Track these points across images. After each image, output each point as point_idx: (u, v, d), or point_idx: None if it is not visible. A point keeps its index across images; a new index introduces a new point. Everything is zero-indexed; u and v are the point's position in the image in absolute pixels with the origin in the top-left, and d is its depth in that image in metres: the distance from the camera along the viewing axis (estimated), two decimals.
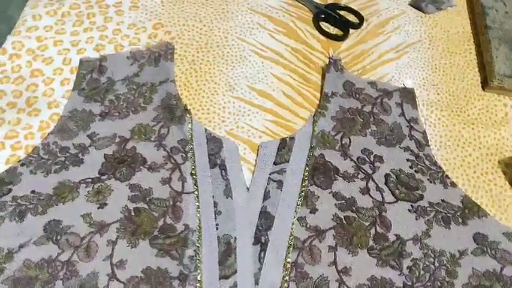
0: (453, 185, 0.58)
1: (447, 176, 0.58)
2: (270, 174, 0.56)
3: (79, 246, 0.48)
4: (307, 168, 0.56)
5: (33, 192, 0.51)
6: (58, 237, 0.49)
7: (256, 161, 0.57)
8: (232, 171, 0.55)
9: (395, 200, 0.56)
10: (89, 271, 0.47)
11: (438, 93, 0.67)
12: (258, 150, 0.58)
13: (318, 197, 0.54)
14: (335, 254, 0.51)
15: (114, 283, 0.47)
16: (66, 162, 0.54)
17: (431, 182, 0.58)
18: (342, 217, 0.53)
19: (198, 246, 0.50)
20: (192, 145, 0.57)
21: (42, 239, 0.48)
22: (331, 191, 0.55)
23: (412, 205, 0.55)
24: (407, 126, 0.62)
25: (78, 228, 0.49)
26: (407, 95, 0.65)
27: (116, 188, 0.53)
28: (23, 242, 0.48)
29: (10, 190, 0.51)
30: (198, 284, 0.47)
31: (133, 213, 0.51)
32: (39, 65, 0.61)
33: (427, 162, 0.59)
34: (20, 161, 0.53)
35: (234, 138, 0.59)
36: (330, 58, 0.66)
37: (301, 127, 0.61)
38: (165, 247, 0.49)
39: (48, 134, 0.56)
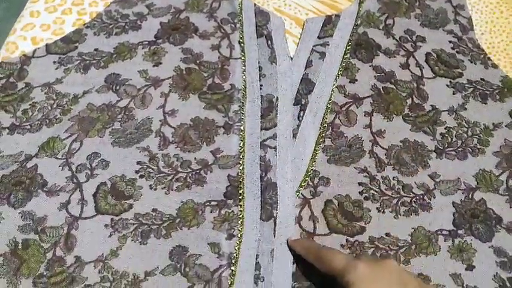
0: (494, 66, 0.59)
1: (489, 58, 0.59)
2: (313, 46, 0.58)
3: (136, 96, 0.53)
4: (350, 43, 0.59)
5: (96, 50, 0.57)
6: (117, 88, 0.54)
7: (301, 34, 0.60)
8: (277, 41, 0.59)
9: (434, 75, 0.57)
10: (143, 116, 0.52)
11: None
12: (303, 25, 0.61)
13: (359, 69, 0.57)
14: (371, 118, 0.54)
15: (166, 128, 0.52)
16: (126, 27, 0.59)
17: (472, 62, 0.59)
18: (380, 88, 0.56)
19: (242, 103, 0.54)
20: (241, 17, 0.60)
21: (103, 88, 0.54)
22: (372, 65, 0.57)
23: (450, 81, 0.57)
24: (452, 12, 0.63)
25: (135, 81, 0.54)
26: None
27: (169, 50, 0.57)
28: (86, 89, 0.54)
29: (76, 47, 0.57)
30: (241, 133, 0.52)
31: (184, 72, 0.55)
32: None
33: (469, 45, 0.60)
34: (85, 24, 0.59)
35: (281, 14, 0.62)
36: None
37: (348, 7, 0.63)
38: (213, 102, 0.54)
39: (110, 3, 0.61)
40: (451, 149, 0.52)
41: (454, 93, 0.56)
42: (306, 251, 0.44)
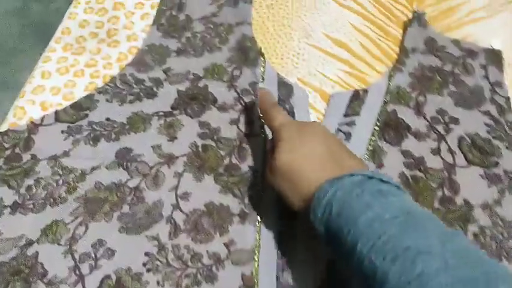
0: None
1: None
2: (338, 125, 0.55)
3: (147, 175, 0.50)
4: (378, 123, 0.55)
5: (107, 119, 0.53)
6: (128, 164, 0.50)
7: (325, 110, 0.57)
8: (300, 119, 0.55)
9: (467, 164, 0.53)
10: (154, 199, 0.49)
11: None
12: (328, 100, 0.57)
13: (386, 152, 0.53)
14: None
15: (178, 213, 0.48)
16: (141, 94, 0.55)
17: (509, 149, 0.55)
18: (409, 176, 0.52)
19: (260, 188, 0.50)
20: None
21: (113, 164, 0.50)
22: (400, 149, 0.54)
23: (485, 171, 0.53)
24: (489, 90, 0.59)
25: (147, 158, 0.51)
26: (494, 57, 0.61)
27: (186, 123, 0.54)
28: (95, 165, 0.50)
29: (87, 115, 0.54)
30: (257, 224, 0.48)
31: (200, 150, 0.52)
32: None
33: (507, 129, 0.56)
34: (97, 88, 0.56)
35: (305, 85, 0.58)
36: (414, 12, 0.63)
37: (376, 80, 0.59)
38: (229, 185, 0.50)
39: (125, 66, 0.58)
40: (484, 252, 0.48)
41: (489, 186, 0.52)
42: (262, 102, 0.49)
